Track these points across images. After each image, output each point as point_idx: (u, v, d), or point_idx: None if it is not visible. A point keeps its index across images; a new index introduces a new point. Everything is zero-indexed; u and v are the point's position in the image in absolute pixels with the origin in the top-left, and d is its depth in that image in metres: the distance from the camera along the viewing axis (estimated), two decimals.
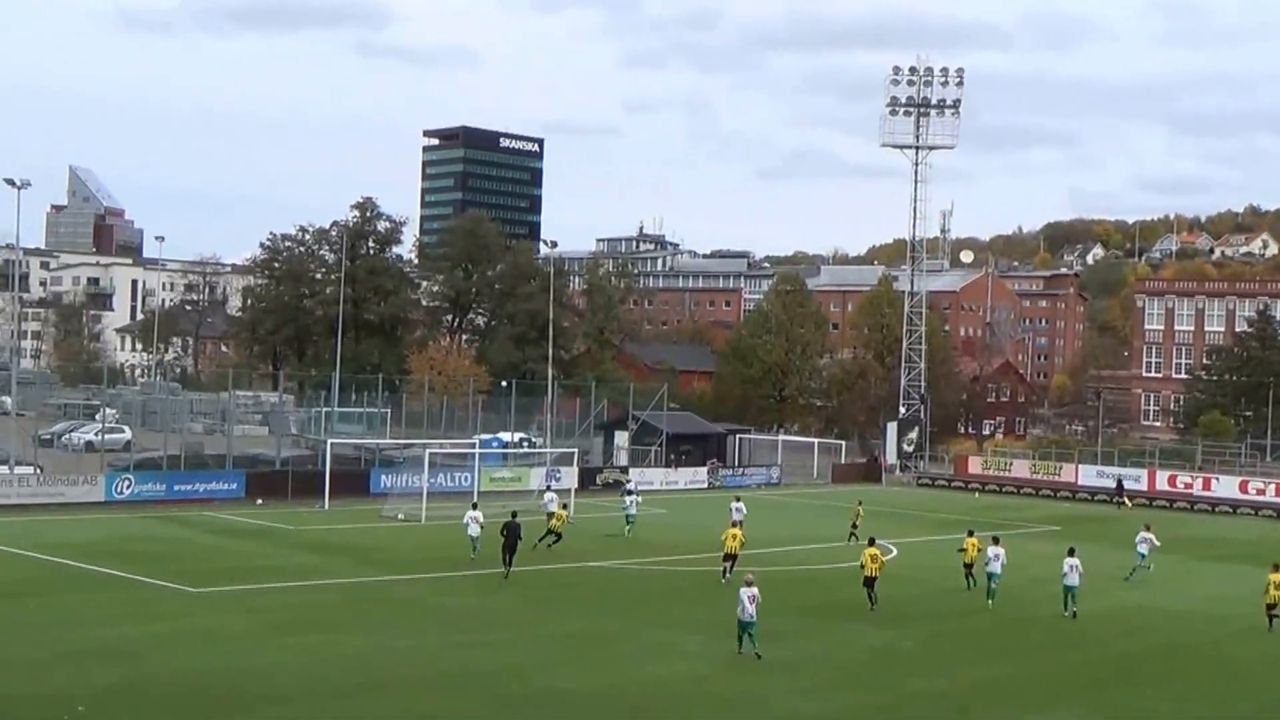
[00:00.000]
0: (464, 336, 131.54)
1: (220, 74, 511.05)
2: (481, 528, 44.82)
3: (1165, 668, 32.05)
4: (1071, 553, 39.52)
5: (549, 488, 59.66)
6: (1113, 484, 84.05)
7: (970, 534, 43.89)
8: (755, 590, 30.32)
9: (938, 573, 46.28)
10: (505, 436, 79.88)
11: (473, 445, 70.06)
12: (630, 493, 57.23)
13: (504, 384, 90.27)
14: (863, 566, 37.70)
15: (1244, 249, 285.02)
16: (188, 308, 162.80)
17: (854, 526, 52.85)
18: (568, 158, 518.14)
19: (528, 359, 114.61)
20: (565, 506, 51.65)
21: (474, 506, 47.60)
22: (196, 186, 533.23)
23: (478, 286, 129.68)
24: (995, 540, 41.55)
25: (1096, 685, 29.52)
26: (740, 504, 52.79)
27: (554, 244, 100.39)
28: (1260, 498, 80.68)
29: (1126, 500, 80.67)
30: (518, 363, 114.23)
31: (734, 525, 45.68)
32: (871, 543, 39.06)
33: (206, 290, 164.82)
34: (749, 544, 44.44)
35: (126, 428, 76.46)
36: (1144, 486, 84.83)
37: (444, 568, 42.30)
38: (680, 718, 24.80)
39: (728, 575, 40.79)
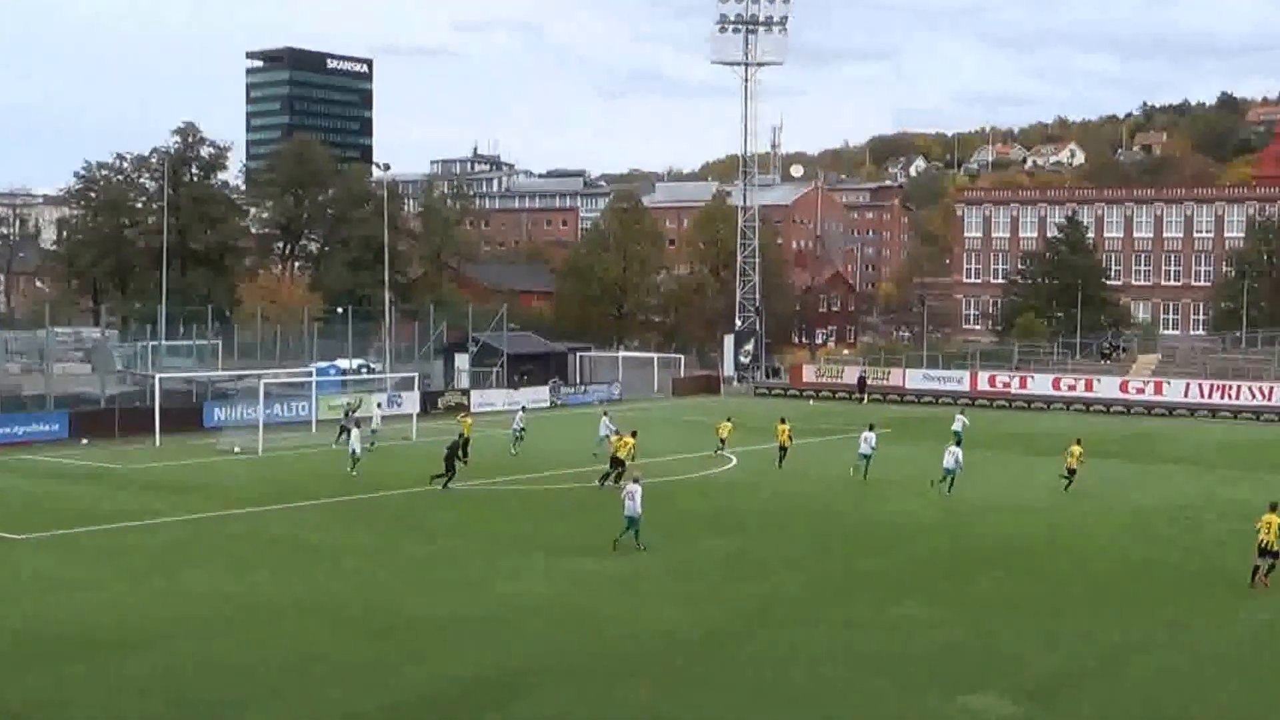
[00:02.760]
0: (297, 264, 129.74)
1: None
2: (366, 447, 47.83)
3: (996, 558, 33.40)
4: (959, 442, 47.51)
5: (605, 413, 58.24)
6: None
7: (782, 420, 51.14)
8: (639, 488, 32.78)
9: (779, 478, 47.68)
10: (343, 364, 79.30)
11: (309, 374, 69.51)
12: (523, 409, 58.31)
13: (340, 311, 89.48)
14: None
15: (1054, 158, 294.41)
16: None
17: (722, 442, 54.50)
18: (398, 79, 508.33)
19: (363, 284, 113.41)
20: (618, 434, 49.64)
21: (356, 425, 49.27)
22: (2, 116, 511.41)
23: (309, 212, 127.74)
24: (870, 427, 48.91)
25: (935, 576, 30.84)
26: (608, 418, 54.73)
27: (386, 167, 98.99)
28: (1071, 393, 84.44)
29: (865, 396, 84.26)
30: (353, 288, 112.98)
31: (617, 435, 47.23)
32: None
33: (16, 223, 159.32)
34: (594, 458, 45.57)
35: None
36: (967, 387, 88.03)
37: (286, 499, 41.98)
38: (538, 636, 25.14)
39: (610, 482, 42.72)
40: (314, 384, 66.83)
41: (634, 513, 32.77)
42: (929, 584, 30.06)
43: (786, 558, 33.24)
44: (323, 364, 77.45)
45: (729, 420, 55.58)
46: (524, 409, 59.68)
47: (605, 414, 56.81)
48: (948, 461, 44.24)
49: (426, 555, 33.21)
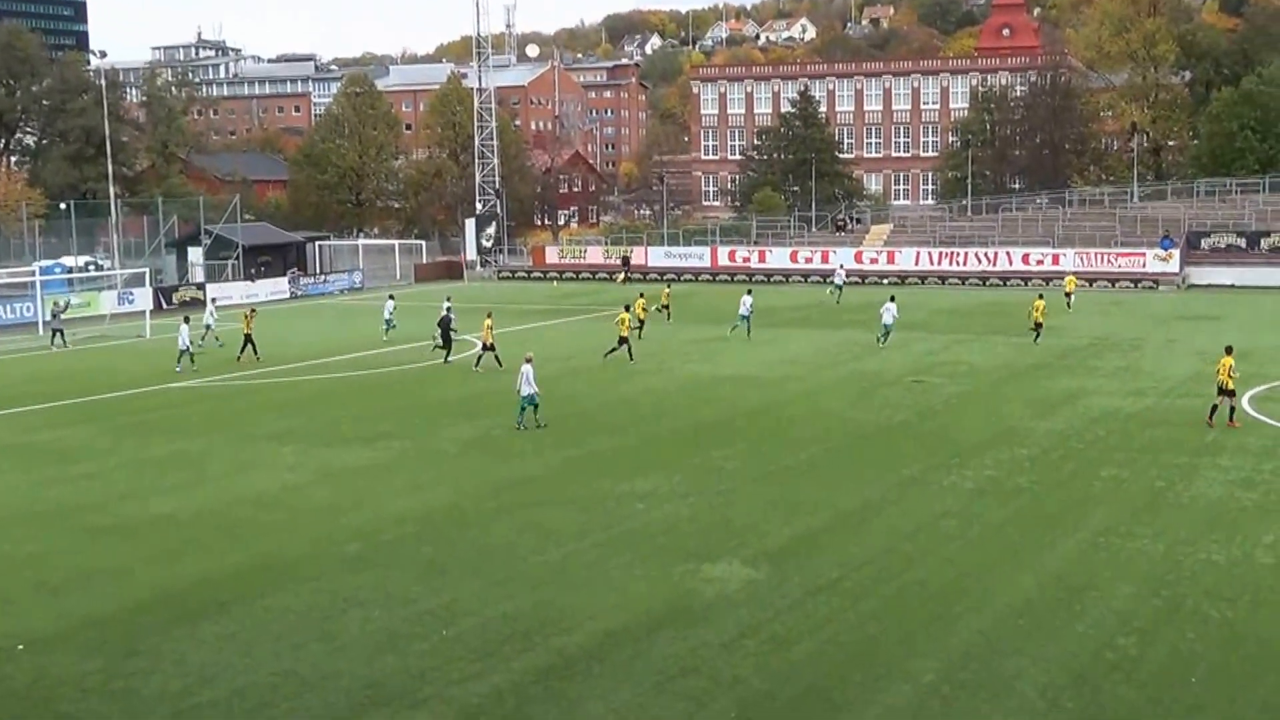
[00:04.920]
0: (13, 159, 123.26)
1: None
2: (205, 337, 48.18)
3: (736, 431, 34.08)
4: (892, 299, 52.29)
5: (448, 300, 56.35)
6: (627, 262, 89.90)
7: (627, 308, 49.14)
8: (530, 368, 34.25)
9: (520, 361, 47.69)
10: (69, 261, 76.37)
11: (32, 273, 66.73)
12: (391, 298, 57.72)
13: (62, 207, 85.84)
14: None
15: (786, 34, 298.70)
16: None
17: (666, 308, 59.30)
18: None
19: (87, 178, 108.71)
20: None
21: (185, 320, 48.18)
22: None
23: (23, 104, 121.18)
24: (749, 291, 55.35)
25: (675, 452, 31.30)
26: (449, 302, 54.23)
27: (104, 54, 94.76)
28: (809, 265, 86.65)
29: (620, 276, 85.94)
30: (76, 183, 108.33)
31: (488, 317, 47.05)
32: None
33: None
34: (342, 347, 44.89)
35: None
36: (708, 263, 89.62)
37: (13, 404, 40.25)
38: (280, 529, 24.83)
39: (480, 366, 44.76)
40: (38, 284, 64.20)
41: (528, 392, 33.92)
42: (671, 459, 30.59)
43: (531, 440, 33.38)
44: (47, 263, 74.60)
45: (659, 292, 56.62)
46: (392, 297, 58.78)
47: (448, 299, 56.23)
48: (886, 318, 50.20)
49: (167, 454, 32.26)
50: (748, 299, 54.29)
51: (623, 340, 46.43)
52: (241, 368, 47.17)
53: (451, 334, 47.95)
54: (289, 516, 25.89)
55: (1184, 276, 78.19)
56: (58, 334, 55.32)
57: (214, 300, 60.60)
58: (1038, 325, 50.77)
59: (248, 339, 49.17)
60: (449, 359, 47.01)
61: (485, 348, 45.12)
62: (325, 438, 33.84)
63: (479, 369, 44.87)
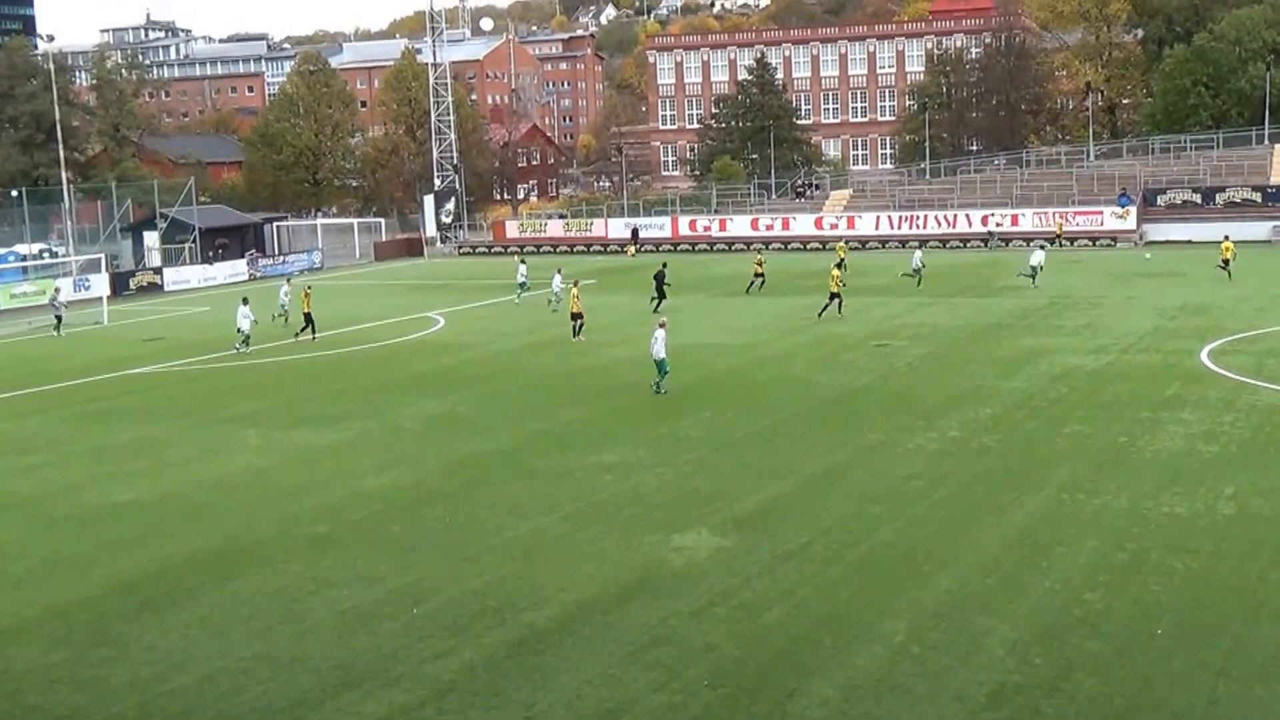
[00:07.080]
0: None
1: None
2: (254, 323, 46.66)
3: (702, 399, 34.03)
4: (1043, 247, 63.22)
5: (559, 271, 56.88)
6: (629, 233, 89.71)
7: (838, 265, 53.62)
8: (663, 332, 34.91)
9: (484, 337, 47.69)
10: (22, 249, 75.66)
11: None
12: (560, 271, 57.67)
13: (14, 194, 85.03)
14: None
15: (741, 1, 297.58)
16: None
17: (841, 261, 60.67)
18: None
19: (38, 164, 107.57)
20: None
21: (244, 301, 47.63)
22: None
23: None
24: (920, 246, 61.79)
25: (641, 422, 31.25)
26: (560, 276, 54.83)
27: (51, 38, 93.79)
28: (770, 233, 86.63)
29: (630, 249, 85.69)
30: (27, 169, 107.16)
31: (574, 285, 47.21)
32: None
33: None
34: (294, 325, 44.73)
35: None
36: (668, 234, 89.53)
37: None
38: (246, 513, 24.65)
39: (579, 335, 45.06)
40: None
41: (659, 355, 34.43)
42: (639, 429, 30.56)
43: (498, 414, 33.30)
44: (0, 251, 73.89)
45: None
46: (524, 261, 61.14)
47: (559, 270, 56.45)
48: (1034, 259, 56.64)
49: (128, 441, 31.99)
50: (918, 253, 60.10)
51: (834, 296, 48.01)
52: (304, 344, 47.24)
53: (666, 288, 50.82)
54: (254, 499, 25.74)
55: (1141, 233, 78.57)
56: (60, 321, 54.49)
57: (289, 279, 60.68)
58: (1225, 262, 55.09)
59: (308, 317, 48.69)
60: (658, 309, 49.24)
61: (574, 316, 45.36)
62: (289, 419, 33.67)
63: (580, 338, 45.05)
